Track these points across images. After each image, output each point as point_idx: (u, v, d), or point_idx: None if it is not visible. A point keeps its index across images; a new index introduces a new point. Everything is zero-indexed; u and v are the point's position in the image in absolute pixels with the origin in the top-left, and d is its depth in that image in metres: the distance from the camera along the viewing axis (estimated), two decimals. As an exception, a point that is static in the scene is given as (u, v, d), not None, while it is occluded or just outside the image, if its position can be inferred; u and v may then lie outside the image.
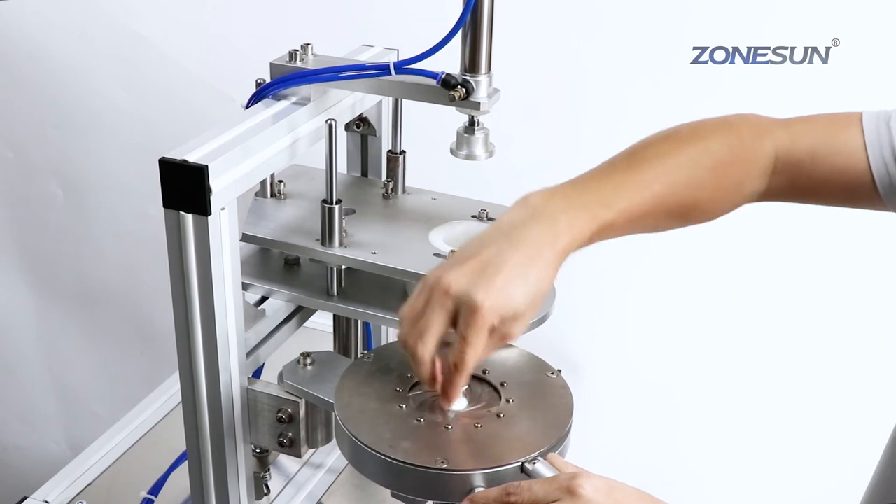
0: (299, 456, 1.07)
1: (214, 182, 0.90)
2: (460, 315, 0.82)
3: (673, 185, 0.92)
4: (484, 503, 0.79)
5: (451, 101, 0.99)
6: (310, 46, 1.07)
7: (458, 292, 0.82)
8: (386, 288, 1.08)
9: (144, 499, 1.22)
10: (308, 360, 1.06)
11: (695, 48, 1.56)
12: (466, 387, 0.95)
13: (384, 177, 1.21)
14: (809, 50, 1.52)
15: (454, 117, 1.03)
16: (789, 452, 1.82)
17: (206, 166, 0.88)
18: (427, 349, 0.84)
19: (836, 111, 0.97)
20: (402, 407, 0.92)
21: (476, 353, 0.83)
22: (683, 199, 0.92)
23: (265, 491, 1.22)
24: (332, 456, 1.33)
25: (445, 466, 0.84)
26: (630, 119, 1.61)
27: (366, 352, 1.07)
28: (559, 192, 0.88)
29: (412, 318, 0.85)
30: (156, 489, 1.22)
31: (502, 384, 0.96)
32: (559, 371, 0.99)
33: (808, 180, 0.94)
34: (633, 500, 0.75)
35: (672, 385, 1.81)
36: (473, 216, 1.13)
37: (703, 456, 1.86)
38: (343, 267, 1.07)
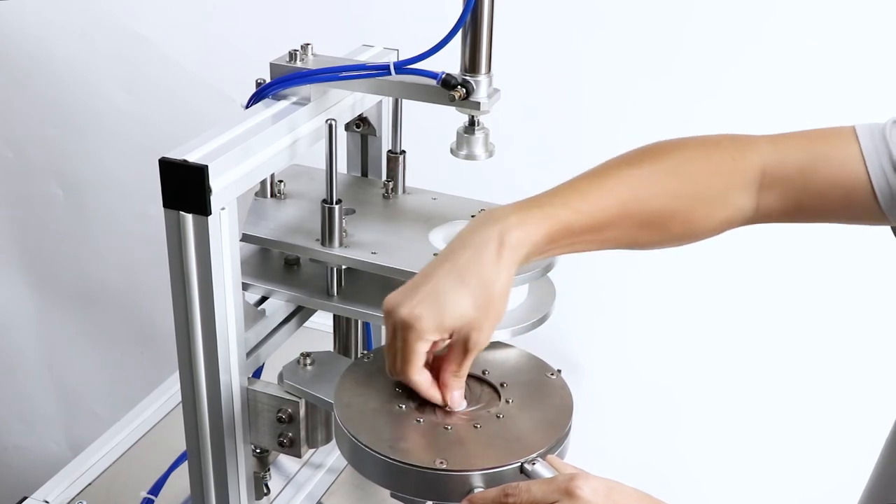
0: (299, 456, 1.07)
1: (214, 182, 0.90)
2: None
3: (643, 192, 0.90)
4: None
5: (451, 101, 0.99)
6: (310, 46, 1.07)
7: (389, 309, 0.87)
8: (386, 288, 1.08)
9: (144, 499, 1.22)
10: (308, 360, 1.06)
11: (695, 47, 1.56)
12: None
13: (384, 177, 1.21)
14: (810, 50, 1.52)
15: (454, 117, 1.03)
16: (789, 452, 1.82)
17: (206, 166, 0.88)
18: (398, 371, 0.88)
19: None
20: (401, 407, 0.92)
21: (411, 366, 0.87)
22: (658, 207, 0.90)
23: (265, 491, 1.22)
24: (332, 456, 1.32)
25: (444, 467, 0.84)
26: (630, 119, 1.61)
27: (366, 352, 1.07)
28: (519, 202, 0.88)
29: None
30: (156, 489, 1.22)
31: (502, 384, 0.96)
32: (559, 371, 0.99)
33: (802, 195, 0.92)
34: (631, 501, 0.75)
35: (672, 385, 1.81)
36: (473, 216, 1.12)
37: (703, 456, 1.86)
38: (343, 267, 1.07)
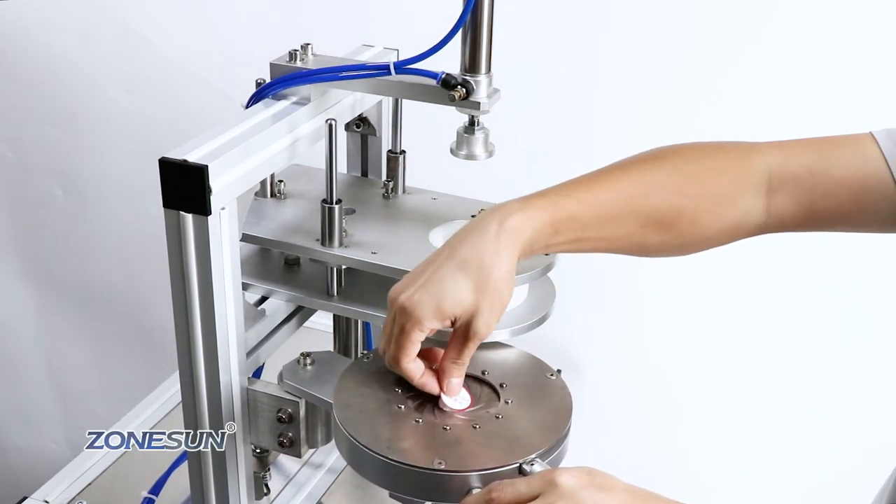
0: (299, 456, 1.07)
1: (214, 182, 0.90)
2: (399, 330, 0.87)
3: (648, 188, 0.89)
4: None
5: (451, 101, 0.99)
6: (310, 46, 1.07)
7: (392, 297, 0.88)
8: (386, 288, 1.08)
9: (145, 498, 1.22)
10: (308, 360, 1.06)
11: (697, 47, 1.56)
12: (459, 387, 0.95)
13: (384, 177, 1.21)
14: (811, 51, 1.52)
15: (454, 117, 1.03)
16: (791, 453, 1.82)
17: (206, 166, 0.88)
18: (391, 357, 0.89)
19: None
20: (400, 407, 0.92)
21: (404, 354, 0.88)
22: (663, 204, 0.90)
23: (265, 491, 1.22)
24: (332, 456, 1.32)
25: (443, 467, 0.84)
26: (631, 118, 1.61)
27: (365, 352, 1.07)
28: (521, 197, 0.89)
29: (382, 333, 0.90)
30: (156, 489, 1.22)
31: (501, 385, 0.96)
32: (559, 371, 0.99)
33: (813, 196, 0.90)
34: (614, 483, 0.76)
35: (672, 385, 1.81)
36: (473, 216, 1.12)
37: (704, 456, 1.86)
38: (343, 267, 1.07)
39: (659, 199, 0.90)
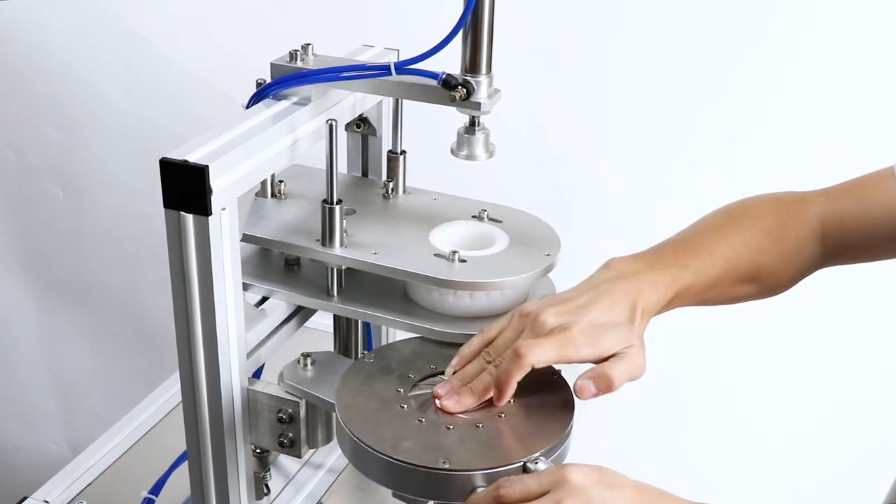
0: (299, 456, 1.07)
1: (215, 182, 0.89)
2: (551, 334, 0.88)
3: (739, 250, 0.97)
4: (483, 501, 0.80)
5: (451, 102, 0.99)
6: (310, 46, 1.07)
7: (552, 322, 0.88)
8: (386, 288, 1.08)
9: (145, 498, 1.22)
10: (308, 360, 1.06)
11: (697, 48, 1.56)
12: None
13: (384, 177, 1.21)
14: (813, 50, 1.52)
15: (454, 117, 1.03)
16: (793, 454, 1.82)
17: (207, 167, 0.88)
18: (525, 352, 0.88)
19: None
20: (403, 407, 0.92)
21: (538, 358, 0.87)
22: (750, 263, 0.98)
23: (265, 491, 1.22)
24: (332, 456, 1.32)
25: (447, 467, 0.84)
26: (631, 118, 1.61)
27: (366, 352, 1.07)
28: (641, 258, 0.95)
29: (502, 343, 0.91)
30: (156, 489, 1.22)
31: (503, 384, 0.96)
32: (560, 371, 0.99)
33: (856, 237, 0.99)
34: (623, 481, 0.77)
35: (673, 384, 1.80)
36: (473, 216, 1.13)
37: (706, 455, 1.86)
38: (343, 267, 1.07)
39: (747, 259, 0.98)
